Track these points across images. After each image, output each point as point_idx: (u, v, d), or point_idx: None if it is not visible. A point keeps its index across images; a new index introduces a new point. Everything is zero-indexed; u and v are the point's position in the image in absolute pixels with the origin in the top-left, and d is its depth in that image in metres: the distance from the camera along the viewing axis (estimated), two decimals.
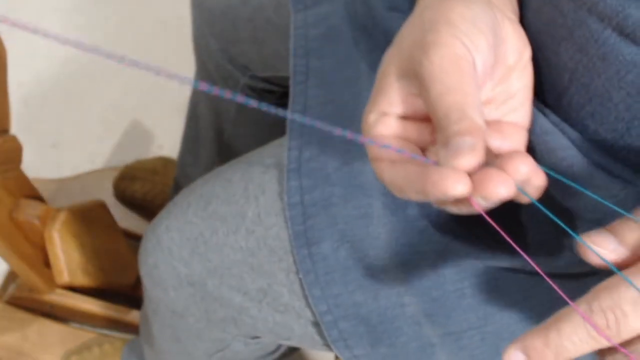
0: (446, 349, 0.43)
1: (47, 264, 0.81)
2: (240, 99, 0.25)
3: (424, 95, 0.30)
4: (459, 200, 0.28)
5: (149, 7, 1.31)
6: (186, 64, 0.86)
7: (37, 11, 1.28)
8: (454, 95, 0.28)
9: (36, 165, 1.04)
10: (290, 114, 0.29)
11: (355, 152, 0.43)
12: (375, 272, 0.42)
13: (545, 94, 0.37)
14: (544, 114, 0.36)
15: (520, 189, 0.29)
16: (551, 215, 0.30)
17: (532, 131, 0.35)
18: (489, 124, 0.31)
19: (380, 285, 0.43)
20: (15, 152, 0.72)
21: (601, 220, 0.33)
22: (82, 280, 0.82)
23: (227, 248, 0.47)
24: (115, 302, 0.88)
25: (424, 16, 0.32)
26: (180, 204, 0.51)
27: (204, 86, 0.25)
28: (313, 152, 0.44)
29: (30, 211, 0.77)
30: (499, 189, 0.27)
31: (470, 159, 0.27)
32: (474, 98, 0.29)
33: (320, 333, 0.47)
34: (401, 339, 0.43)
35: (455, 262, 0.41)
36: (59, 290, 0.86)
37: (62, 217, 0.78)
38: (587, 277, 0.39)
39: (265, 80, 0.69)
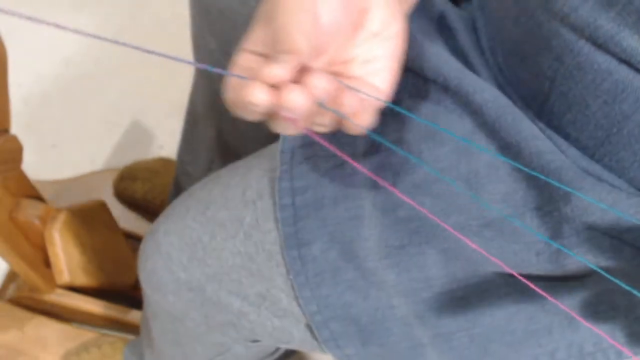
0: (436, 349, 0.43)
1: (47, 264, 0.81)
2: None
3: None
4: (275, 115, 0.32)
5: (148, 6, 1.31)
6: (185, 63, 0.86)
7: (35, 11, 1.28)
8: (284, 18, 0.31)
9: (36, 165, 1.04)
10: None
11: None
12: (365, 274, 0.42)
13: (530, 102, 0.38)
14: (533, 121, 0.36)
15: (323, 105, 0.32)
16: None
17: (522, 135, 0.35)
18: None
19: (370, 286, 0.43)
20: (15, 152, 0.72)
21: (591, 225, 0.34)
22: (82, 280, 0.82)
23: (225, 253, 0.47)
24: (115, 302, 0.89)
25: None
26: (179, 208, 0.51)
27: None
28: (305, 154, 0.44)
29: (30, 211, 0.77)
30: (292, 95, 0.30)
31: (276, 70, 0.31)
32: (305, 25, 0.31)
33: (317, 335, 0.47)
34: (391, 339, 0.44)
35: (445, 264, 0.41)
36: (59, 290, 0.86)
37: (62, 217, 0.78)
38: (584, 278, 0.39)
39: None
